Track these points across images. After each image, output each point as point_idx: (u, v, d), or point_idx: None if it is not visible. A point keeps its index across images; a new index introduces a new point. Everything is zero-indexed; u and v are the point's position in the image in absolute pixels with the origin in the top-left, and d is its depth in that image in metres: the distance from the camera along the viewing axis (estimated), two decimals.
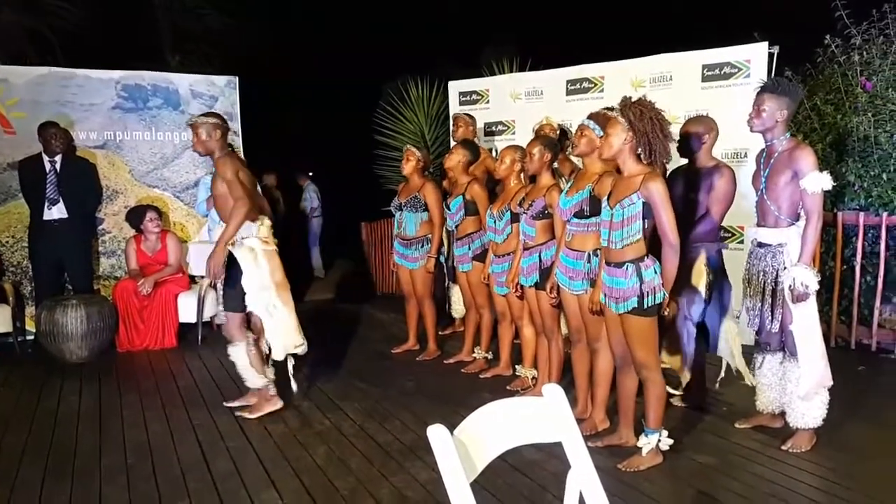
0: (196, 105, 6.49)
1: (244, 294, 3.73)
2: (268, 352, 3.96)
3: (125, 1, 9.99)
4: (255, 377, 3.94)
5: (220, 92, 6.61)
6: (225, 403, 4.12)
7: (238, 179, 3.71)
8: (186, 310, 5.62)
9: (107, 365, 5.04)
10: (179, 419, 3.95)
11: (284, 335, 3.85)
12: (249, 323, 3.96)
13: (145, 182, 6.27)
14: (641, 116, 2.91)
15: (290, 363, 3.97)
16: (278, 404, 3.98)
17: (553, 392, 1.67)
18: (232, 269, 3.74)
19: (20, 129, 5.73)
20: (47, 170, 5.50)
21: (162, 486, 3.13)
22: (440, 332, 5.29)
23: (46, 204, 5.50)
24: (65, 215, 5.50)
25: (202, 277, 5.81)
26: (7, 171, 5.73)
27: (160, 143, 6.35)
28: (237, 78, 6.71)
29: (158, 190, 6.32)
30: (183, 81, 6.52)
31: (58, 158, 5.53)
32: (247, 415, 3.93)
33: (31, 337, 5.56)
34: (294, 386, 4.04)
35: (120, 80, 6.21)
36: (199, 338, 5.63)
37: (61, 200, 5.49)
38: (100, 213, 6.04)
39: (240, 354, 3.91)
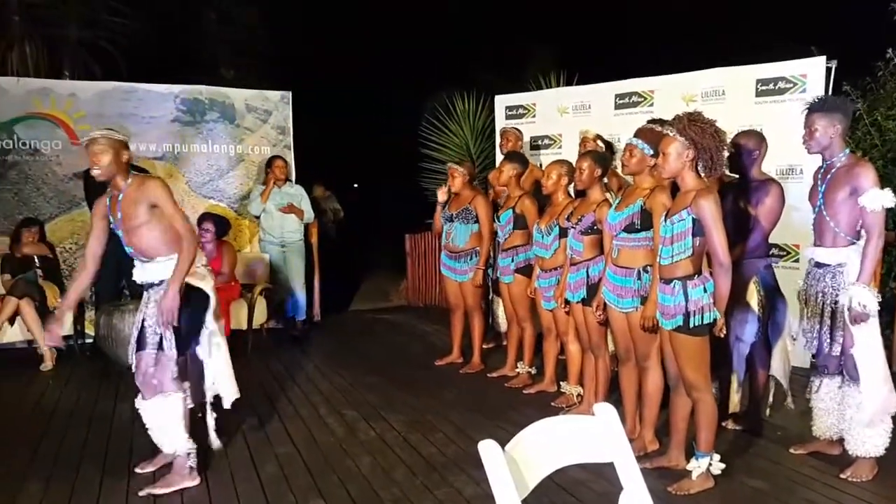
0: (251, 119, 6.69)
1: (195, 330, 3.27)
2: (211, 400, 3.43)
3: (182, 17, 10.33)
4: (182, 440, 3.20)
5: (273, 107, 6.79)
6: (138, 469, 3.39)
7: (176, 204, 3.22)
8: (238, 317, 5.75)
9: None
10: (230, 423, 4.01)
11: (230, 377, 3.42)
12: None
13: (201, 193, 6.47)
14: (703, 133, 2.87)
15: (211, 417, 3.41)
16: (196, 479, 3.23)
17: (606, 411, 1.66)
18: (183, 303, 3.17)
19: None
20: None
21: (213, 488, 3.21)
22: (484, 346, 5.29)
23: None
24: None
25: (253, 286, 5.95)
26: (73, 180, 5.98)
27: (216, 156, 6.54)
28: (290, 93, 6.87)
29: (213, 200, 6.51)
30: (239, 96, 6.72)
31: None
32: (158, 490, 3.15)
33: (91, 340, 5.76)
34: (215, 442, 3.42)
35: (179, 94, 6.43)
36: (249, 345, 5.75)
37: None
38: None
39: (174, 408, 3.17)
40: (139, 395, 3.26)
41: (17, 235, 5.63)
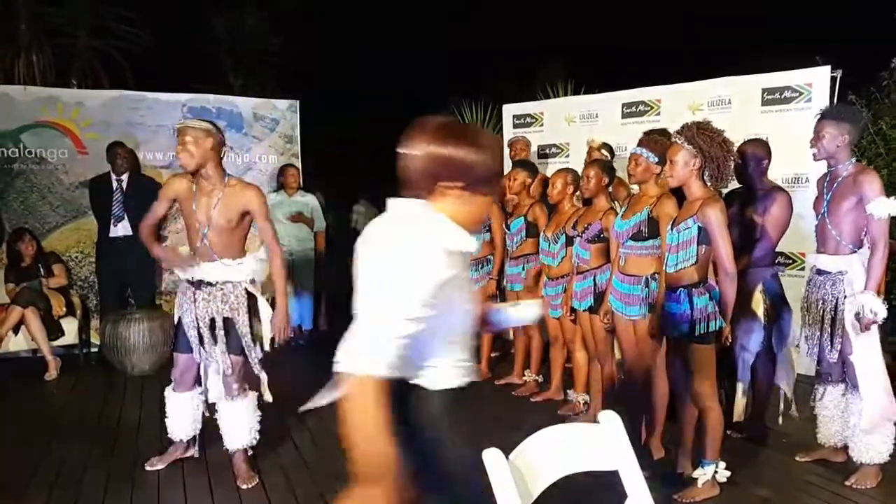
0: (258, 127, 6.71)
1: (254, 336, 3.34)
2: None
3: (191, 24, 10.41)
4: (252, 435, 3.41)
5: (281, 115, 6.81)
6: (147, 466, 3.51)
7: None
8: None
9: (167, 378, 5.16)
10: None
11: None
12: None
13: None
14: (711, 142, 2.88)
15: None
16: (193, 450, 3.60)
17: (610, 419, 1.66)
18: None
19: (92, 149, 5.99)
20: (114, 188, 5.71)
21: (217, 497, 3.21)
22: (492, 354, 5.29)
23: (112, 221, 5.71)
24: (129, 232, 5.61)
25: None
26: (79, 189, 5.99)
27: (223, 164, 6.54)
28: (298, 102, 6.90)
29: None
30: (246, 104, 6.74)
31: (124, 177, 5.73)
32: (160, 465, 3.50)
33: (96, 349, 5.77)
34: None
35: (186, 102, 6.45)
36: None
37: (126, 218, 5.67)
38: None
39: (250, 409, 3.38)
40: (170, 386, 3.49)
41: (12, 250, 5.51)
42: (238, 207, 3.23)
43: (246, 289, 3.29)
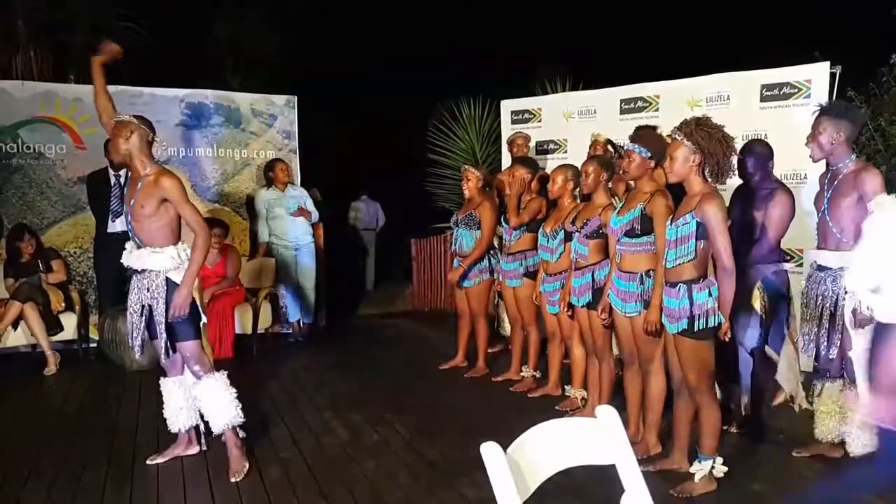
0: (256, 123, 6.70)
1: (199, 317, 3.44)
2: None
3: (190, 20, 10.37)
4: (232, 412, 3.41)
5: (279, 111, 6.80)
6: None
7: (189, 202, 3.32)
8: (243, 322, 5.76)
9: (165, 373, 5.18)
10: None
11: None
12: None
13: (207, 197, 6.48)
14: (710, 138, 2.89)
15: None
16: (196, 448, 3.61)
17: (607, 414, 1.66)
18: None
19: (90, 144, 5.98)
20: (112, 183, 5.70)
21: (216, 493, 3.22)
22: (489, 350, 5.30)
23: (110, 216, 5.70)
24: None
25: (258, 290, 5.95)
26: (77, 184, 5.98)
27: (221, 160, 6.56)
28: (296, 97, 6.89)
29: (218, 205, 6.52)
30: (244, 100, 6.73)
31: (122, 172, 5.72)
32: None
33: (95, 344, 5.77)
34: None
35: (184, 98, 6.45)
36: (255, 350, 5.77)
37: (124, 213, 5.66)
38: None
39: (219, 386, 3.39)
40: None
41: (12, 246, 5.50)
42: (154, 196, 3.24)
43: (168, 277, 3.30)
